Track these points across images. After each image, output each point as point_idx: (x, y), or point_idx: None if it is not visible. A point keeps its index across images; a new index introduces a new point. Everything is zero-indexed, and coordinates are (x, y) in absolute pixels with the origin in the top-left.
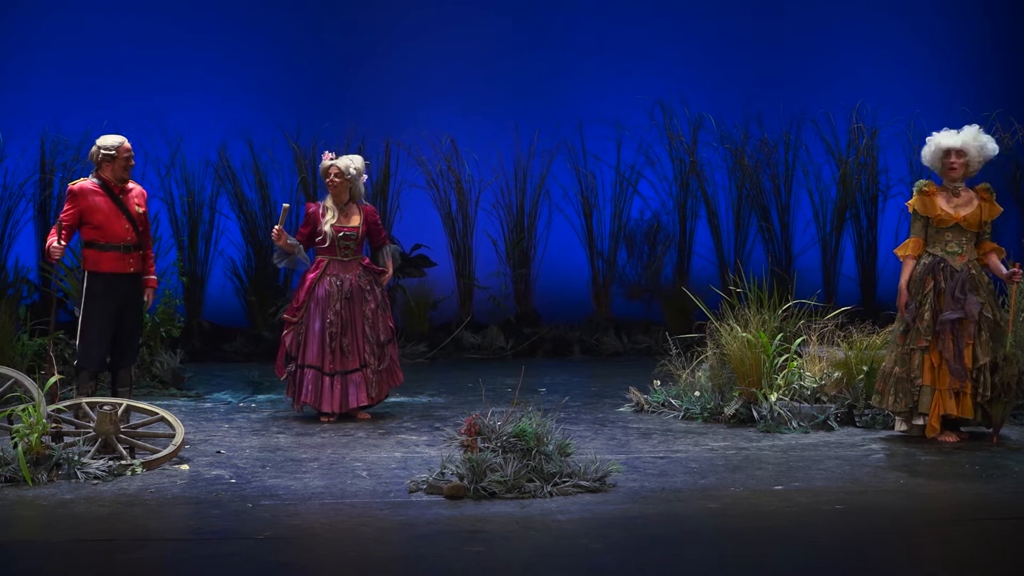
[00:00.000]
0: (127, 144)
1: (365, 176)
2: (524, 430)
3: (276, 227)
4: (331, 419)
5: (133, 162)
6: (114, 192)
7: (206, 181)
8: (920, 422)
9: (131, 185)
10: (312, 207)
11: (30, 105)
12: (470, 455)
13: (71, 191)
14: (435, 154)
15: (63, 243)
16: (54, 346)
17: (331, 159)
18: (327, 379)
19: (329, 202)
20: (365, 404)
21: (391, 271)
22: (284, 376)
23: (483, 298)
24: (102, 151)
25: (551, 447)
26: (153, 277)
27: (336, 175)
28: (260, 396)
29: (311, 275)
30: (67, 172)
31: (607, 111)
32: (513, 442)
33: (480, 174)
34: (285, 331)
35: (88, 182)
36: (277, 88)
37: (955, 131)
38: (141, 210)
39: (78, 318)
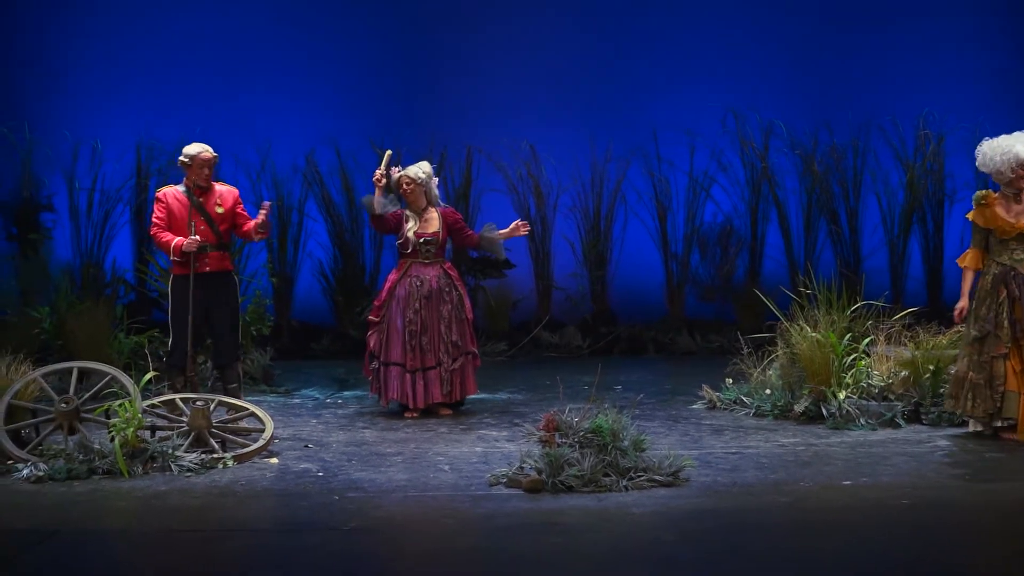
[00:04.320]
0: (205, 154)
1: (436, 179)
2: (600, 426)
3: (378, 171)
4: (415, 415)
5: (208, 170)
6: (194, 195)
7: (294, 185)
8: (1000, 424)
9: (217, 187)
10: (399, 211)
11: (127, 113)
12: (548, 450)
13: (156, 196)
14: (515, 160)
15: (195, 236)
16: (149, 344)
17: (398, 172)
18: (409, 376)
19: (409, 212)
20: (439, 401)
21: (505, 232)
22: (369, 375)
23: (561, 298)
24: (180, 159)
25: (626, 443)
26: (255, 220)
27: (408, 183)
28: (346, 392)
29: (393, 276)
30: (162, 177)
31: (680, 119)
32: (590, 438)
33: (558, 179)
34: (369, 331)
35: (172, 188)
36: (363, 96)
37: (1012, 138)
38: (221, 210)
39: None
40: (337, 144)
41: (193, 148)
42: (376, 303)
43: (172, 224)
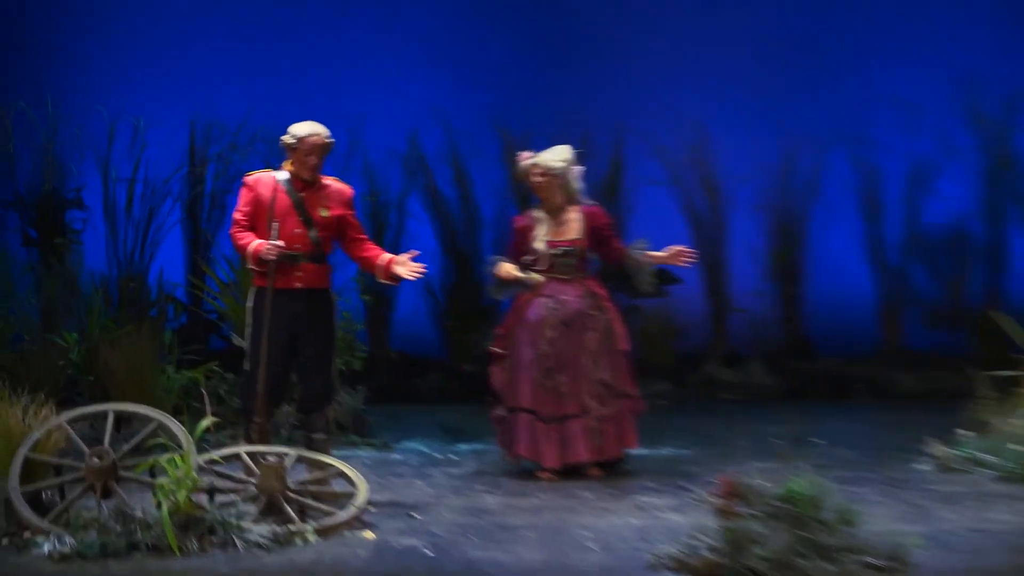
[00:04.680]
0: (315, 137)
1: (580, 168)
2: (795, 492)
3: (512, 270)
4: (552, 476)
5: (317, 159)
6: (295, 188)
7: (392, 175)
8: None
9: (327, 182)
10: (521, 220)
11: (179, 83)
12: (727, 523)
13: (244, 182)
14: (679, 143)
15: (277, 241)
16: (206, 381)
17: (529, 158)
18: (542, 426)
19: (540, 211)
20: (584, 459)
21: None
22: (497, 424)
23: (741, 323)
24: (284, 138)
25: (830, 514)
26: (389, 257)
27: (539, 174)
28: (462, 446)
29: (522, 296)
30: (222, 164)
31: (897, 89)
32: (781, 507)
33: (736, 167)
34: (494, 367)
35: (268, 173)
36: (482, 62)
37: None
38: (326, 212)
39: (241, 345)
40: (448, 122)
41: (303, 127)
42: (501, 331)
43: (258, 222)
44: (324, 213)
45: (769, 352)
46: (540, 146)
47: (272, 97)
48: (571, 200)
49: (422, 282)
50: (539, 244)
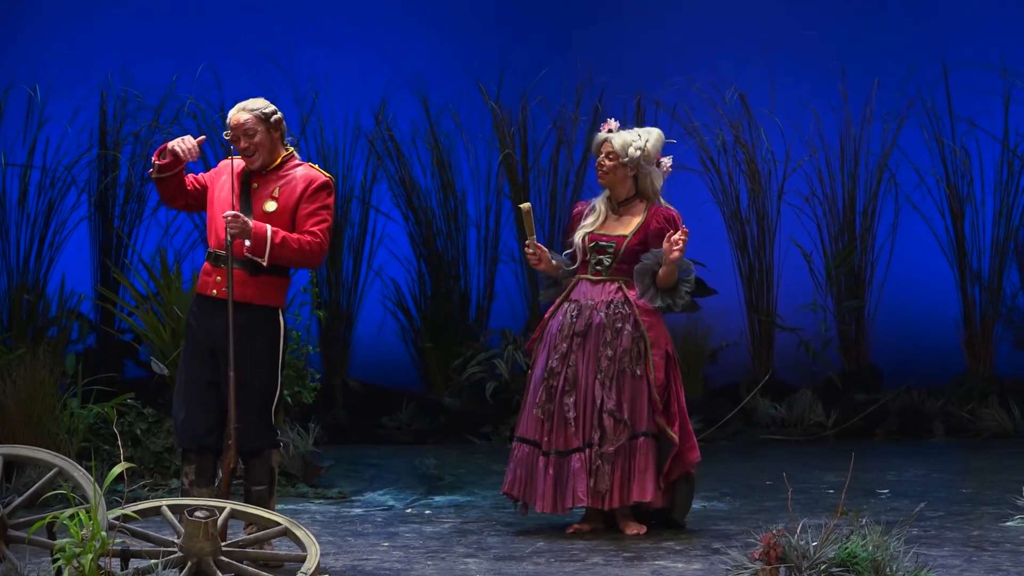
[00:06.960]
0: (237, 116)
1: (666, 162)
2: (854, 555)
3: (528, 241)
4: (582, 528)
5: (241, 143)
6: (249, 179)
7: (356, 159)
8: None
9: (292, 169)
10: (579, 206)
11: (87, 42)
12: None
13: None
14: (715, 117)
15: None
16: (119, 417)
17: (610, 130)
18: (543, 460)
19: (600, 200)
20: (581, 504)
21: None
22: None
23: (790, 345)
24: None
25: None
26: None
27: (608, 155)
28: (438, 498)
29: (557, 300)
30: (141, 146)
31: (989, 50)
32: (838, 573)
33: (786, 149)
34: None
35: (238, 160)
36: (468, 18)
37: None
38: (273, 206)
39: (162, 373)
40: (425, 93)
41: (236, 106)
42: (528, 346)
43: (209, 210)
44: (270, 207)
45: (824, 381)
46: (540, 124)
47: (206, 60)
48: (644, 197)
49: (391, 292)
50: (577, 235)
